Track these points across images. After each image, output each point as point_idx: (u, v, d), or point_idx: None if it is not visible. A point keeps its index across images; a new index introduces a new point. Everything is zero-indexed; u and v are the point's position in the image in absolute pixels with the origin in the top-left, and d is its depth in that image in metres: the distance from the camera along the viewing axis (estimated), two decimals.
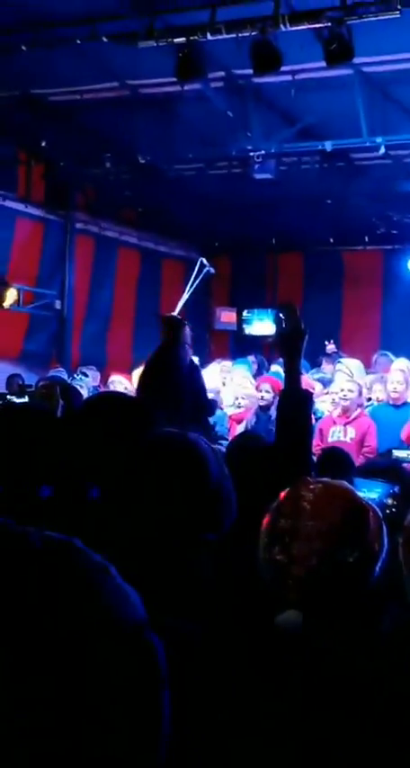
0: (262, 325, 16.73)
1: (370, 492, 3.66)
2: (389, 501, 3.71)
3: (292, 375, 3.69)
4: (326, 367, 13.25)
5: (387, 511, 3.56)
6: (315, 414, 10.45)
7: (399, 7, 8.81)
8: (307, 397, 3.73)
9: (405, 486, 3.85)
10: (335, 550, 2.23)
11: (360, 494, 3.61)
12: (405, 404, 9.96)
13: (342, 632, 2.19)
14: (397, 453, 7.58)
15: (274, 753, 1.95)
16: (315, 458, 9.34)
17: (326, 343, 14.03)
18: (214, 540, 2.53)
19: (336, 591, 2.22)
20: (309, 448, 3.71)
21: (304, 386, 3.86)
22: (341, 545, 2.24)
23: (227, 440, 8.86)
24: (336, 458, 6.04)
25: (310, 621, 2.15)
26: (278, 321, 3.71)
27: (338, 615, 2.21)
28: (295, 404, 3.61)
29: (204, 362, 12.75)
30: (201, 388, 5.57)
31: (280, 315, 3.69)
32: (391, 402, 10.04)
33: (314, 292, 16.64)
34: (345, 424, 9.50)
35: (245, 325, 17.69)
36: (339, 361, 11.88)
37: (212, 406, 8.74)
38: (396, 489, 3.74)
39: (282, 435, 3.61)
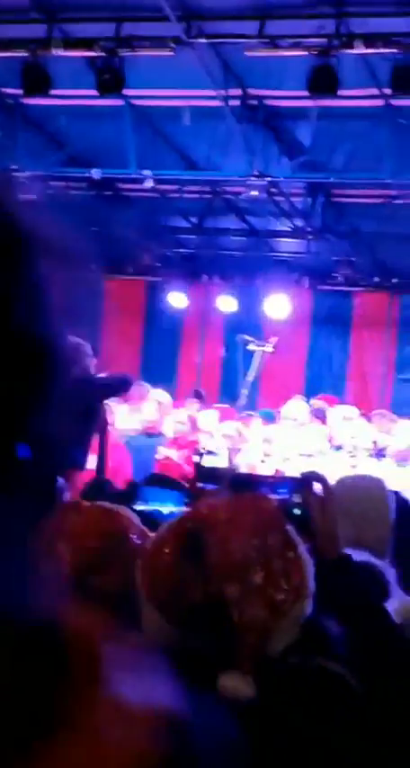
0: None
1: (163, 505, 3.65)
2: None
3: None
4: None
5: None
6: None
7: (173, 45, 8.91)
8: None
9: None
10: (83, 576, 2.15)
11: (150, 506, 3.58)
12: (159, 434, 10.02)
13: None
14: None
15: None
16: None
17: None
18: None
19: None
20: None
21: None
22: (89, 571, 2.18)
23: None
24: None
25: None
26: None
27: None
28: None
29: None
30: None
31: None
32: (144, 432, 10.08)
33: (74, 319, 16.51)
34: None
35: None
36: None
37: None
38: (186, 500, 3.72)
39: None
